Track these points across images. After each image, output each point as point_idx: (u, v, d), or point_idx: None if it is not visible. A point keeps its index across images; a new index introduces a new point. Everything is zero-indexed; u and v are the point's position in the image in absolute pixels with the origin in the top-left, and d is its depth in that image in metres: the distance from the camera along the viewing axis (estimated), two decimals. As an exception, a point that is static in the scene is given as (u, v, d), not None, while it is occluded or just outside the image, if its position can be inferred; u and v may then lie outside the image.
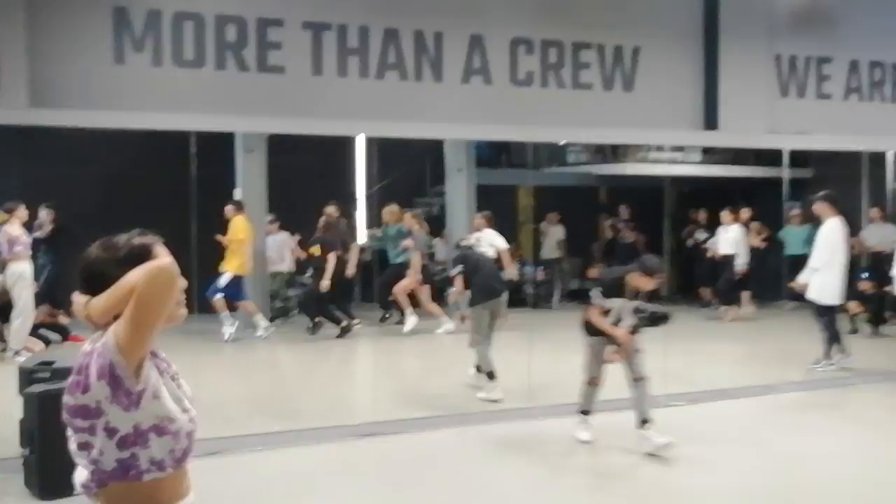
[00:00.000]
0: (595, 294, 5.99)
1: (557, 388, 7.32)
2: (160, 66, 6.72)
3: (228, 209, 9.26)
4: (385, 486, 5.49)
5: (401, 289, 9.89)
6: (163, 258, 2.12)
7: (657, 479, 5.59)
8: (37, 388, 5.03)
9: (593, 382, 6.10)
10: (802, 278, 8.12)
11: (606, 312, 5.98)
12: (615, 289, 5.98)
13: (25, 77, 6.29)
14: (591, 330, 6.05)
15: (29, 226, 8.25)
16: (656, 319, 5.96)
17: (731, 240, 11.45)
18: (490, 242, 9.72)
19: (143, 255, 2.12)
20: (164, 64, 6.72)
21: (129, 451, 2.06)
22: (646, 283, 5.93)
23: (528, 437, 6.36)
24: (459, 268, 7.67)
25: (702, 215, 12.61)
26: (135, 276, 2.01)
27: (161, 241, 2.21)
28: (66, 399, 2.08)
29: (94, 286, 2.09)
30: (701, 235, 12.49)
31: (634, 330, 5.93)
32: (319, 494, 5.30)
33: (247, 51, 6.93)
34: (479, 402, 7.26)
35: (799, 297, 11.92)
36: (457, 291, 7.94)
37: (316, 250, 9.62)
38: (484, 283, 7.48)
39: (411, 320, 9.78)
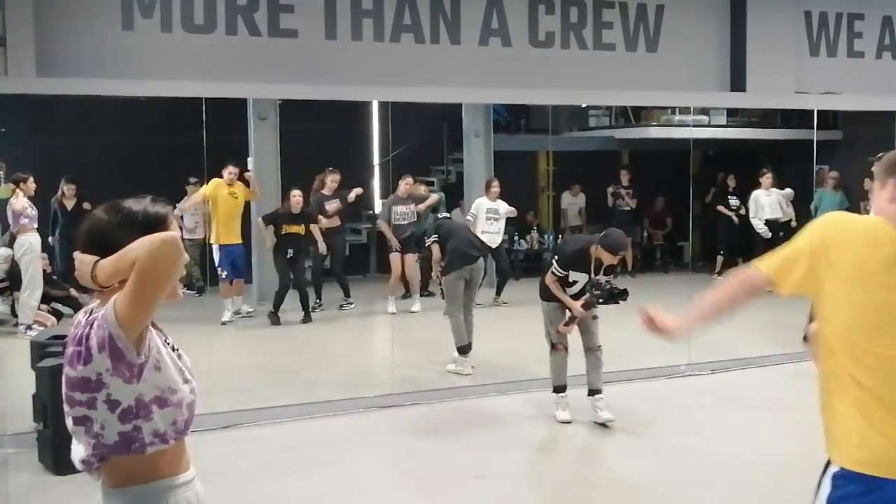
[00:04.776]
0: (553, 264, 5.85)
1: (579, 357, 7.21)
2: (169, 31, 6.55)
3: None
4: (400, 458, 5.42)
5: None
6: (168, 231, 2.05)
7: (680, 446, 5.51)
8: (49, 363, 5.00)
9: (557, 348, 5.95)
10: None
11: (570, 282, 5.84)
12: (577, 261, 5.81)
13: (33, 45, 6.16)
14: (546, 295, 5.94)
15: (39, 197, 8.14)
16: (614, 296, 5.72)
17: (775, 203, 11.17)
18: (503, 213, 9.59)
19: (157, 222, 2.08)
20: (174, 30, 6.56)
21: (132, 424, 2.03)
22: (608, 259, 5.73)
23: (548, 409, 6.25)
24: (434, 237, 7.59)
25: (731, 180, 12.34)
26: (137, 247, 1.95)
27: (171, 210, 2.18)
28: (67, 371, 2.04)
29: (101, 248, 2.04)
30: (735, 202, 12.26)
31: (589, 305, 5.79)
32: (335, 465, 5.25)
33: (258, 14, 6.75)
34: (499, 372, 7.16)
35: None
36: (435, 261, 7.82)
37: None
38: (459, 248, 7.34)
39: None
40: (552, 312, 5.94)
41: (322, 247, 9.33)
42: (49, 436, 4.97)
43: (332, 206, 9.61)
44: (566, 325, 5.89)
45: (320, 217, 9.39)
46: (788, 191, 10.96)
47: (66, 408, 2.07)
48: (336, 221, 9.70)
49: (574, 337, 6.01)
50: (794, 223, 11.00)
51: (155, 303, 1.98)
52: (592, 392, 5.88)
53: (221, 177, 8.95)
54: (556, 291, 5.85)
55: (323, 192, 9.63)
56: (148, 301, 1.96)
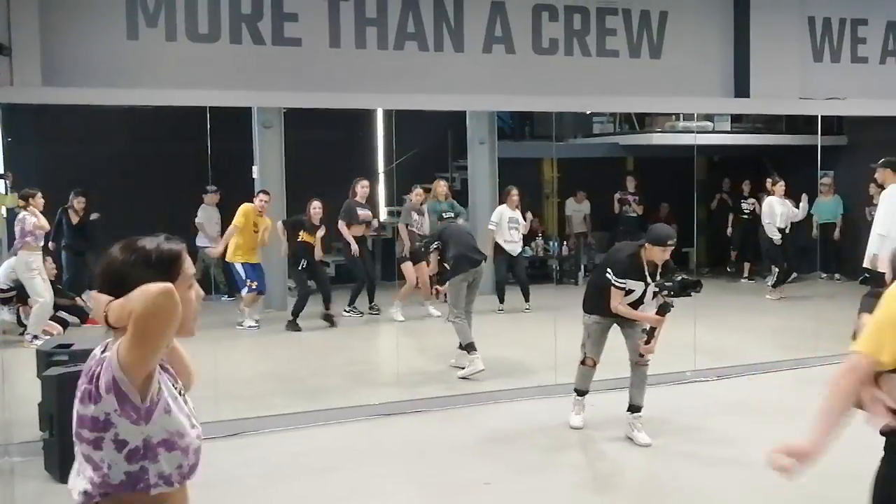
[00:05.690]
0: (611, 278, 5.46)
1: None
2: (174, 40, 6.57)
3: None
4: (408, 465, 5.41)
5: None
6: (162, 283, 1.99)
7: (691, 453, 5.49)
8: (55, 371, 5.02)
9: (588, 363, 5.75)
10: (872, 251, 7.59)
11: (628, 293, 5.52)
12: (632, 267, 5.44)
13: (39, 55, 6.19)
14: (589, 307, 5.66)
15: (46, 207, 8.17)
16: (686, 287, 5.28)
17: (786, 213, 11.01)
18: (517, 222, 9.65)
19: (171, 260, 2.10)
20: (178, 39, 6.58)
21: (139, 465, 2.04)
22: (658, 254, 5.35)
23: (552, 415, 6.25)
24: (435, 243, 7.58)
25: (746, 185, 12.36)
26: (135, 298, 1.96)
27: (185, 246, 2.17)
28: (78, 407, 2.05)
29: (116, 287, 2.04)
30: (748, 206, 12.30)
31: (664, 310, 5.44)
32: (343, 473, 5.24)
33: (262, 23, 6.77)
34: (504, 379, 7.15)
35: (830, 268, 11.80)
36: (430, 268, 7.82)
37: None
38: (463, 253, 7.35)
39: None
40: (591, 326, 5.66)
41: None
42: (55, 444, 4.97)
43: (365, 213, 9.67)
44: (647, 343, 5.51)
45: (355, 226, 9.48)
46: (803, 206, 10.97)
47: (75, 442, 2.07)
48: (365, 229, 9.77)
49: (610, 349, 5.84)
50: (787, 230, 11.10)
51: (155, 350, 1.99)
52: (633, 409, 5.62)
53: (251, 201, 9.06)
54: (624, 311, 5.45)
55: (356, 199, 9.67)
56: (147, 349, 1.97)
